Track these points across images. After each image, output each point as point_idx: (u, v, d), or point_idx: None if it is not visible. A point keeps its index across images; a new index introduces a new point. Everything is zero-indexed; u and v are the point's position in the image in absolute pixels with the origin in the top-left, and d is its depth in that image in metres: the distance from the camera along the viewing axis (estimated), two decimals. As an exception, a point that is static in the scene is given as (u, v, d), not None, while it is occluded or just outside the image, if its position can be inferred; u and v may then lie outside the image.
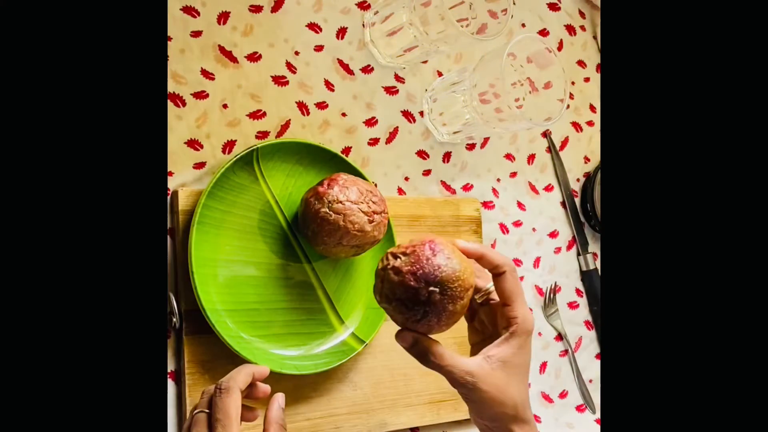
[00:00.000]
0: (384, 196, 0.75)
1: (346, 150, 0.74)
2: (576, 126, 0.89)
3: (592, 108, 0.91)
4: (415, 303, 0.52)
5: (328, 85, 0.73)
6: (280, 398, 0.54)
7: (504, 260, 0.56)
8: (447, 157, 0.80)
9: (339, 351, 0.67)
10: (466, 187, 0.81)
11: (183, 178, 0.65)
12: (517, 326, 0.55)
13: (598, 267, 0.88)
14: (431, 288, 0.51)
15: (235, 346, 0.62)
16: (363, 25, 0.76)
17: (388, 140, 0.77)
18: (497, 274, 0.56)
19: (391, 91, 0.77)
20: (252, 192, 0.66)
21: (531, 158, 0.86)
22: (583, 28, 0.91)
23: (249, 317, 0.65)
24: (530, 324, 0.56)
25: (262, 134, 0.69)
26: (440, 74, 0.80)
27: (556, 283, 0.86)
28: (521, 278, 0.83)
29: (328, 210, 0.63)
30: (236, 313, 0.64)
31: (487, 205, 0.82)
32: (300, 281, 0.68)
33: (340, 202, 0.63)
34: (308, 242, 0.66)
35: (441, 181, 0.79)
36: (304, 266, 0.68)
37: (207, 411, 0.52)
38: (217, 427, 0.50)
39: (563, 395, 0.85)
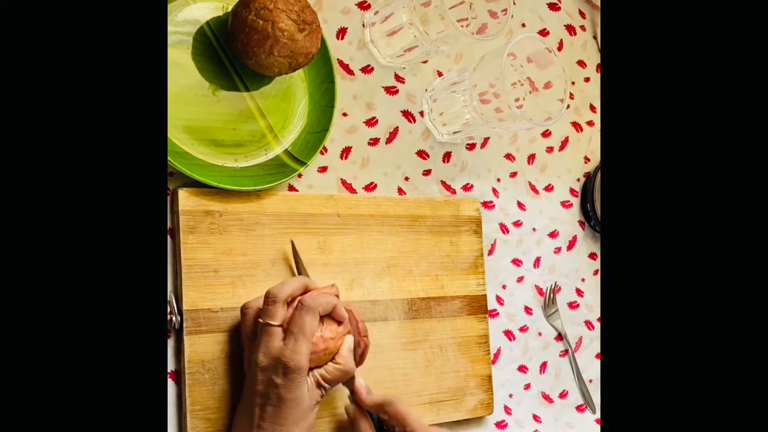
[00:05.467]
0: (384, 196, 0.75)
1: (346, 150, 0.74)
2: (576, 126, 0.89)
3: (592, 108, 0.91)
4: None
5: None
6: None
7: (381, 399, 0.63)
8: (447, 157, 0.80)
9: (278, 171, 0.68)
10: (466, 187, 0.81)
11: None
12: None
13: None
14: None
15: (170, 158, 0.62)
16: (363, 25, 0.76)
17: (388, 140, 0.77)
18: (383, 411, 0.62)
19: (391, 91, 0.77)
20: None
21: (531, 158, 0.86)
22: (583, 28, 0.91)
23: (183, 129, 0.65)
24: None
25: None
26: (440, 74, 0.80)
27: (556, 283, 0.86)
28: (521, 278, 0.83)
29: (255, 17, 0.61)
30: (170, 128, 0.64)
31: (487, 205, 0.82)
32: (237, 105, 0.68)
33: (268, 8, 0.61)
34: (239, 57, 0.65)
35: (441, 181, 0.79)
36: (237, 84, 0.68)
37: (279, 325, 0.58)
38: (290, 339, 0.57)
39: (563, 395, 0.85)
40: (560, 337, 0.85)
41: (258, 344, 0.59)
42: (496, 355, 0.80)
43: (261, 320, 0.59)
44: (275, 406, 0.57)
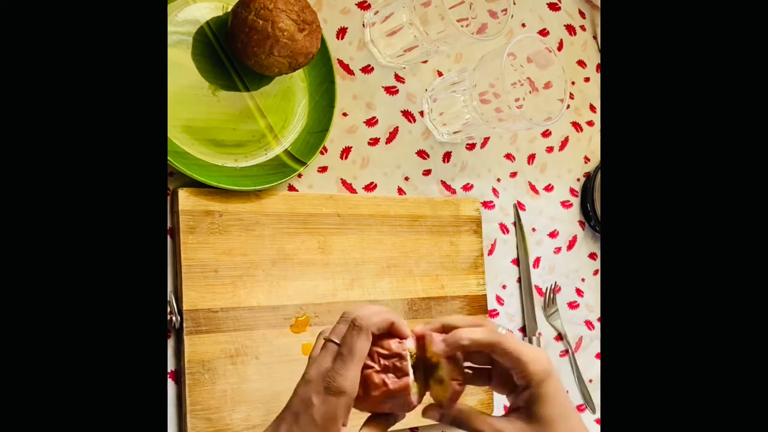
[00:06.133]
0: (384, 196, 0.75)
1: (346, 150, 0.74)
2: (576, 126, 0.89)
3: (592, 108, 0.91)
4: None
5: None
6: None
7: (492, 337, 0.52)
8: (447, 157, 0.80)
9: (278, 171, 0.68)
10: (466, 187, 0.81)
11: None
12: (531, 381, 0.52)
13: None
14: None
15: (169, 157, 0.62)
16: (363, 25, 0.76)
17: (388, 140, 0.77)
18: (493, 352, 0.53)
19: (391, 91, 0.77)
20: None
21: (531, 158, 0.86)
22: (583, 28, 0.91)
23: (183, 129, 0.65)
24: (542, 369, 0.52)
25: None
26: (440, 74, 0.80)
27: (556, 283, 0.86)
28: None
29: (255, 17, 0.61)
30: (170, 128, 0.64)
31: (487, 205, 0.82)
32: (237, 105, 0.68)
33: (268, 8, 0.61)
34: (239, 58, 0.65)
35: (441, 181, 0.79)
36: (237, 84, 0.68)
37: (338, 343, 0.51)
38: (338, 360, 0.50)
39: (563, 395, 0.85)
40: (560, 337, 0.85)
41: (314, 359, 0.52)
42: (496, 355, 0.80)
43: (325, 336, 0.53)
44: (304, 429, 0.50)
